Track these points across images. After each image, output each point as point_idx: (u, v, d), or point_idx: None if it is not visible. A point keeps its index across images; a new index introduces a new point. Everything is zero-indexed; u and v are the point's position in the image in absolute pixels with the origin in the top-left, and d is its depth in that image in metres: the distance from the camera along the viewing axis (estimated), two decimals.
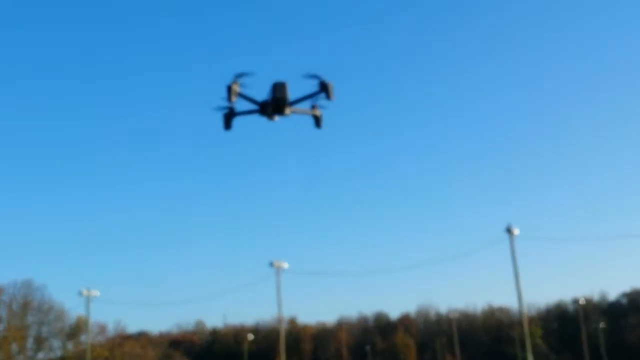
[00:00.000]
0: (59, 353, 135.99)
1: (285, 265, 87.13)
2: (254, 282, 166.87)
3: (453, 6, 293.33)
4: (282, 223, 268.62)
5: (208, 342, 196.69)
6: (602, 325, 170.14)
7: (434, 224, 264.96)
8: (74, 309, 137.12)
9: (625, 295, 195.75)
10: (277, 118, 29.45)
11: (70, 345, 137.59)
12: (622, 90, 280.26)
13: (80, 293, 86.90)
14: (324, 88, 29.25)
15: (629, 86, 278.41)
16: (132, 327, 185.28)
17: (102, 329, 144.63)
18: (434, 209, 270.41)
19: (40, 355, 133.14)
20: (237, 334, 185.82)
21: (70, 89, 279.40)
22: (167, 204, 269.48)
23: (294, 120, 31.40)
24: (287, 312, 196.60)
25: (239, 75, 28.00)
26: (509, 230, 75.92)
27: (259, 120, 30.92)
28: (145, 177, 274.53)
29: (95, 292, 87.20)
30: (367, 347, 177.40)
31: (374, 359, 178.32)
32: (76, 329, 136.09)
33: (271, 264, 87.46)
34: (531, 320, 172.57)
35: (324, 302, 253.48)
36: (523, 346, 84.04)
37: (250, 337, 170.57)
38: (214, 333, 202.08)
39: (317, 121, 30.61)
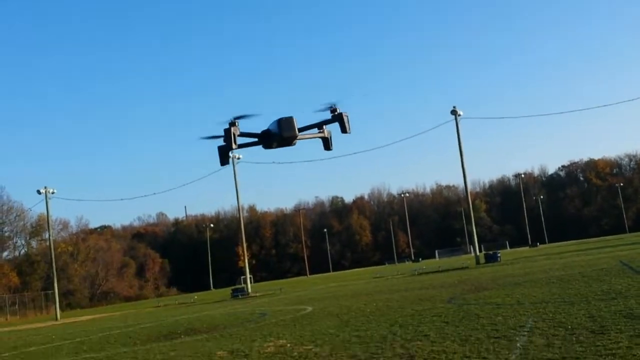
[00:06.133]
0: (23, 251, 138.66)
1: (240, 156, 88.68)
2: (212, 173, 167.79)
3: None
4: (233, 111, 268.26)
5: (171, 233, 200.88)
6: (541, 197, 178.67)
7: (383, 110, 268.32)
8: (34, 209, 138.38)
9: (563, 168, 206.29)
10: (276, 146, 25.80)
11: (34, 243, 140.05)
12: None
13: (38, 192, 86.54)
14: (338, 119, 25.01)
15: None
16: (94, 223, 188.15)
17: (65, 225, 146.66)
18: (383, 96, 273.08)
19: (5, 254, 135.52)
20: (199, 223, 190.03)
21: None
22: (119, 101, 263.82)
23: None
24: (246, 201, 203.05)
25: (238, 117, 24.13)
26: (454, 112, 78.25)
27: None
28: (96, 79, 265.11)
29: (53, 190, 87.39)
30: (325, 230, 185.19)
31: (331, 240, 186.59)
32: (38, 227, 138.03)
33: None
34: (476, 195, 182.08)
35: (281, 190, 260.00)
36: (468, 220, 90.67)
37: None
38: (177, 224, 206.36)
39: (327, 143, 26.43)
